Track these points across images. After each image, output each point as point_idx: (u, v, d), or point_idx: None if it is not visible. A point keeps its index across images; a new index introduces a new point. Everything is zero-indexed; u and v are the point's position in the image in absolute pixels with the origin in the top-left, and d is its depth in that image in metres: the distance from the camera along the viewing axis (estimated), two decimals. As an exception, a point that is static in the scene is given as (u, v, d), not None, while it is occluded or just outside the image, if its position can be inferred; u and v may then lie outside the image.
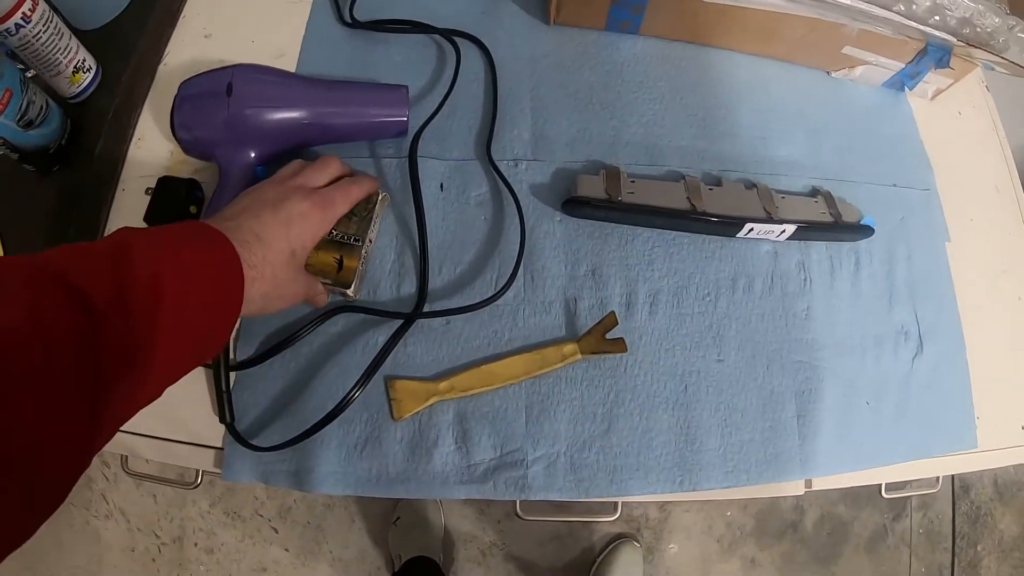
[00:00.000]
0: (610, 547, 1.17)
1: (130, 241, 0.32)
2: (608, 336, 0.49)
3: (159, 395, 0.34)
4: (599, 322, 0.50)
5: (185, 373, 0.35)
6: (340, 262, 0.47)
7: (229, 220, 0.39)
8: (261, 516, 1.15)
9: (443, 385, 0.47)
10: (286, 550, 1.14)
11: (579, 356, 0.48)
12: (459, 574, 1.16)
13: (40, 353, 0.26)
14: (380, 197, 0.49)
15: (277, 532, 1.14)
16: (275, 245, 0.39)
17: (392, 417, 0.47)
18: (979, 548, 1.28)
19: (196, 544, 1.14)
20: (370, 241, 0.49)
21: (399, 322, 0.48)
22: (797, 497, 0.52)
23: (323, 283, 0.47)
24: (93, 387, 0.28)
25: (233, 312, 0.36)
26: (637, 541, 1.19)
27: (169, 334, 0.31)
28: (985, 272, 0.61)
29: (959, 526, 1.28)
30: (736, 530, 1.24)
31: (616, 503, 0.51)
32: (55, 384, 0.27)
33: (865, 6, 0.52)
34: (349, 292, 0.48)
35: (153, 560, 1.14)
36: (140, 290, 0.30)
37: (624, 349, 0.49)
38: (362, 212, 0.48)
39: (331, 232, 0.47)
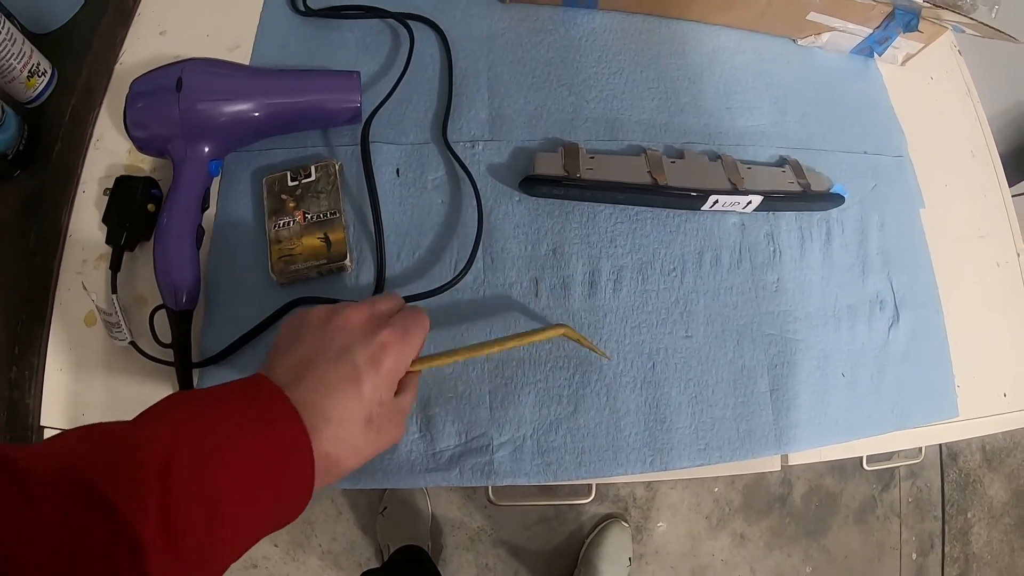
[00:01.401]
0: (598, 528, 1.17)
1: (178, 444, 0.26)
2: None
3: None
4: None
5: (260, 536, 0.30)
6: (327, 240, 0.48)
7: (287, 376, 0.32)
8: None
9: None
10: (275, 545, 1.14)
11: (562, 330, 0.43)
12: (448, 561, 1.16)
13: None
14: (338, 166, 0.51)
15: (264, 529, 1.15)
16: (348, 416, 0.32)
17: None
18: (969, 515, 1.27)
19: (186, 543, 1.15)
20: (343, 209, 0.50)
21: (358, 311, 0.48)
22: (784, 470, 0.51)
23: (321, 266, 0.48)
24: None
25: (299, 505, 0.30)
26: (625, 521, 1.19)
27: (226, 549, 0.27)
28: (961, 238, 0.60)
29: (948, 494, 1.28)
30: (724, 506, 1.24)
31: (590, 485, 0.51)
32: None
33: (822, -33, 0.51)
34: (347, 263, 0.49)
35: (145, 563, 1.14)
36: (195, 510, 0.25)
37: (607, 356, 0.48)
38: (327, 187, 0.49)
39: (305, 216, 0.48)
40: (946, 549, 1.23)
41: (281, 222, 0.49)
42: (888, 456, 0.56)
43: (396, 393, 0.35)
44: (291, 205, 0.49)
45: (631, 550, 1.16)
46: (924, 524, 1.26)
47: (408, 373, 0.36)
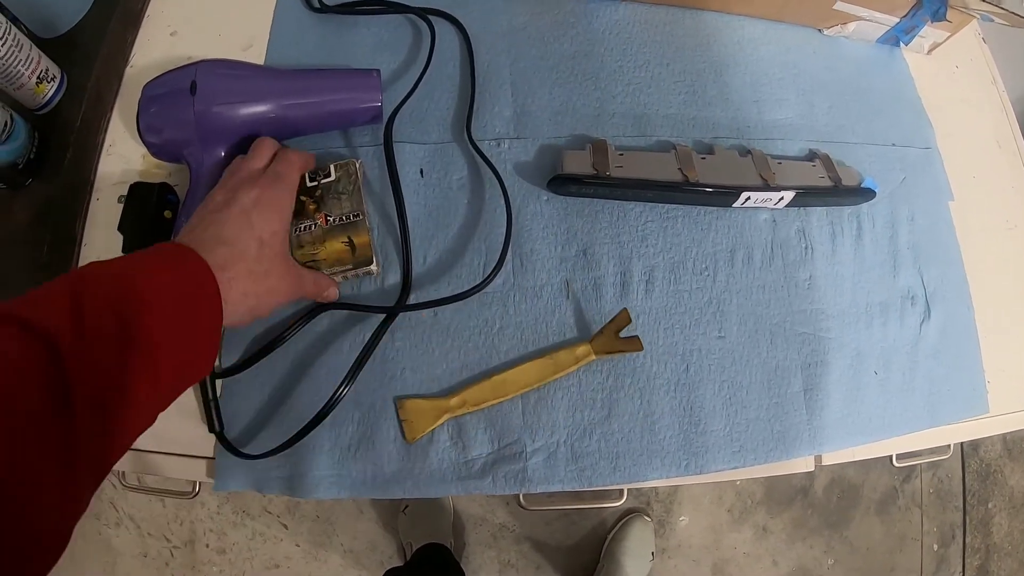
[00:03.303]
0: (621, 523, 1.17)
1: (85, 275, 0.31)
2: (622, 334, 0.47)
3: (152, 422, 0.32)
4: (612, 320, 0.47)
5: (177, 395, 0.34)
6: (351, 243, 0.46)
7: (187, 235, 0.38)
8: (270, 513, 1.15)
9: (454, 401, 0.45)
10: (297, 545, 1.14)
11: (593, 357, 0.46)
12: (470, 558, 1.15)
13: (2, 402, 0.25)
14: (358, 164, 0.48)
15: (287, 528, 1.15)
16: (240, 240, 0.38)
17: (405, 439, 0.45)
18: (990, 505, 1.27)
19: (207, 545, 1.15)
20: (367, 209, 0.48)
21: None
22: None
23: (346, 271, 0.47)
24: (68, 430, 0.27)
25: (214, 322, 0.35)
26: (647, 515, 1.19)
27: (145, 361, 0.30)
28: (990, 229, 0.59)
29: (969, 484, 1.28)
30: (746, 499, 1.24)
31: (622, 488, 0.50)
32: (23, 432, 0.25)
33: (856, -45, 0.49)
34: (373, 268, 0.47)
35: (166, 564, 1.14)
36: (105, 324, 0.29)
37: (640, 348, 0.47)
38: (348, 188, 0.47)
39: (327, 218, 0.46)
40: (967, 540, 1.23)
41: (302, 226, 0.47)
42: (917, 453, 0.55)
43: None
44: (312, 207, 0.47)
45: (654, 544, 1.16)
46: (945, 515, 1.26)
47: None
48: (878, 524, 1.24)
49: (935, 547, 1.24)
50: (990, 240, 0.59)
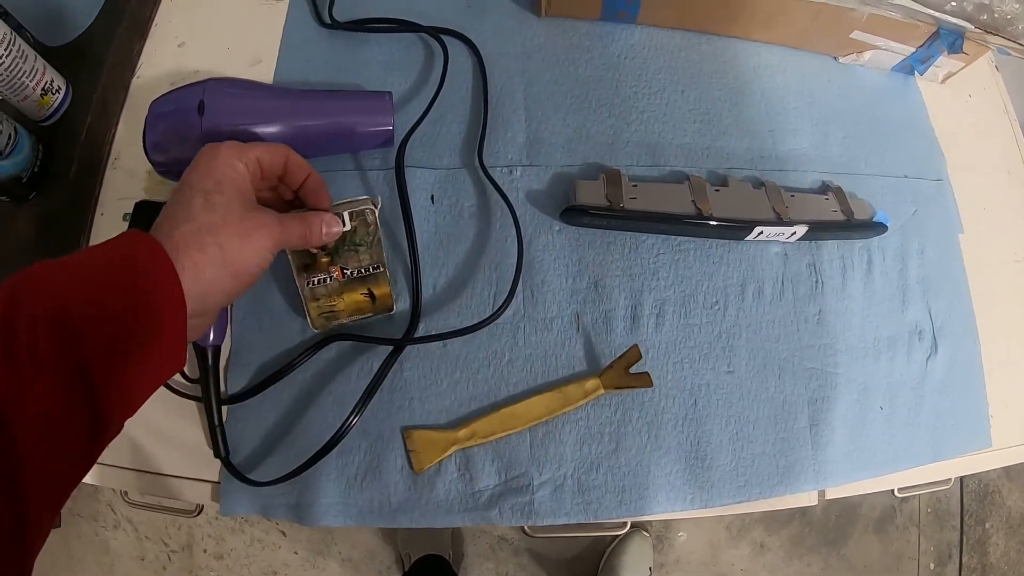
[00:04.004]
0: (619, 537, 1.17)
1: (17, 280, 0.28)
2: (632, 370, 0.47)
3: (119, 430, 0.30)
4: (622, 355, 0.47)
5: (150, 393, 0.31)
6: (371, 295, 0.45)
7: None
8: (268, 520, 1.15)
9: (463, 433, 0.45)
10: (295, 553, 1.14)
11: (602, 391, 0.46)
12: (469, 570, 1.16)
13: None
14: (377, 210, 0.44)
15: (285, 535, 1.15)
16: (180, 204, 0.34)
17: (412, 469, 0.45)
18: (987, 525, 1.28)
19: (205, 551, 1.15)
20: (386, 259, 0.46)
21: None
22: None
23: (365, 318, 0.46)
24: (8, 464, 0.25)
25: (171, 303, 0.30)
26: (646, 530, 1.19)
27: (86, 386, 0.27)
28: (998, 263, 0.59)
29: (967, 504, 1.29)
30: (744, 516, 1.25)
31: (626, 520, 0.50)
32: None
33: (879, -9, 0.49)
34: (392, 313, 0.47)
35: (164, 568, 1.14)
36: (40, 325, 0.27)
37: (650, 384, 0.47)
38: (366, 239, 0.44)
39: (343, 272, 0.44)
40: (964, 559, 1.24)
41: (316, 279, 0.44)
42: (918, 485, 0.55)
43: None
44: (324, 260, 0.44)
45: (652, 559, 1.16)
46: (942, 534, 1.27)
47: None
48: (875, 543, 1.25)
49: (932, 566, 1.25)
50: (998, 273, 0.59)
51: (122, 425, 0.30)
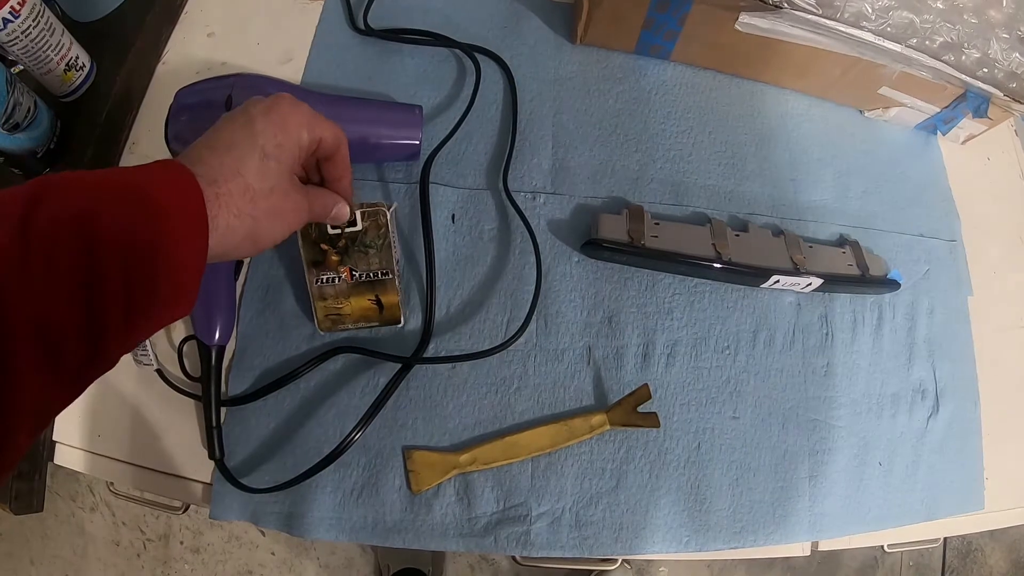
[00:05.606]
0: (599, 570, 1.16)
1: (48, 181, 0.26)
2: (640, 409, 0.47)
3: (112, 365, 0.28)
4: (632, 393, 0.47)
5: (148, 335, 0.29)
6: (378, 302, 0.44)
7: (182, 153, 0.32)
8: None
9: (464, 457, 0.45)
10: (272, 554, 1.12)
11: (608, 427, 0.46)
12: (447, 587, 1.15)
13: None
14: (390, 211, 0.43)
15: (264, 535, 1.13)
16: (237, 147, 0.31)
17: (410, 489, 0.45)
18: (968, 583, 1.28)
19: (182, 543, 1.13)
20: (398, 262, 0.45)
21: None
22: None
23: (371, 326, 0.45)
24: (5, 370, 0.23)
25: (194, 247, 0.28)
26: (627, 563, 1.18)
27: (104, 295, 0.25)
28: (1003, 327, 0.60)
29: (949, 560, 1.28)
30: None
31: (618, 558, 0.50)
32: None
33: (915, 54, 0.49)
34: (400, 326, 0.46)
35: (138, 555, 1.12)
36: (63, 230, 0.25)
37: (657, 424, 0.46)
38: (376, 241, 0.43)
39: (352, 273, 0.44)
40: (944, 616, 1.24)
41: (324, 277, 0.43)
42: (908, 542, 0.56)
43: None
44: (334, 259, 0.43)
45: None
46: (923, 589, 1.26)
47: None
48: (856, 594, 1.25)
49: (911, 621, 1.25)
50: (1003, 337, 0.59)
51: (116, 361, 0.28)
